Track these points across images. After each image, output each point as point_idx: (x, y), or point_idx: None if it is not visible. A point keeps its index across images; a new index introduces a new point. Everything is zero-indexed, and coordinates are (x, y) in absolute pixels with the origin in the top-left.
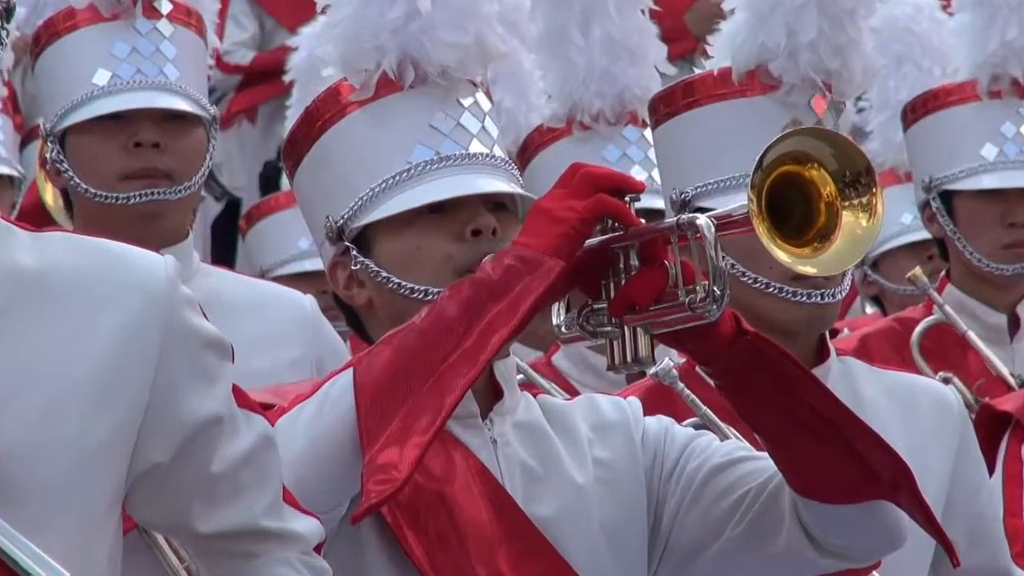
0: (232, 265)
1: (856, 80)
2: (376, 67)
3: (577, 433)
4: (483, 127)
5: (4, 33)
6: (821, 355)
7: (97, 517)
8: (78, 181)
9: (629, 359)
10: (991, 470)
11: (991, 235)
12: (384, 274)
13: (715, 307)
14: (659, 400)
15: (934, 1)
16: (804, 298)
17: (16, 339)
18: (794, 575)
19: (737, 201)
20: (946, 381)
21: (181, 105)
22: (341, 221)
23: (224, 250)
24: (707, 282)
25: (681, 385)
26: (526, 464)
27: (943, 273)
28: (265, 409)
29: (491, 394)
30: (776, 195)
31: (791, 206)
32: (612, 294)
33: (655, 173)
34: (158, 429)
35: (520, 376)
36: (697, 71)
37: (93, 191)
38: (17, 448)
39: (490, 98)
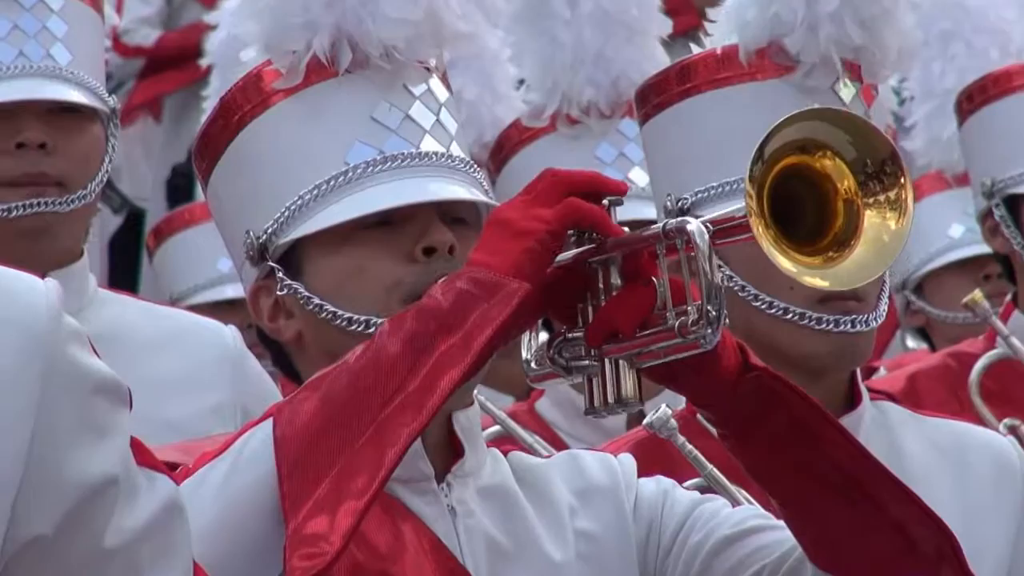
0: (135, 290)
1: (890, 59)
2: (306, 48)
3: (556, 499)
4: (438, 120)
5: None
6: (852, 399)
7: None
8: None
9: (611, 399)
10: None
11: None
12: (317, 301)
13: (710, 331)
14: (654, 456)
15: None
16: (831, 325)
17: None
18: None
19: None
20: (1012, 430)
21: (74, 96)
22: (264, 236)
23: (125, 272)
24: (700, 302)
25: (682, 438)
26: (492, 538)
27: (1008, 297)
28: (169, 469)
29: (449, 452)
30: (782, 193)
31: (801, 206)
32: (589, 320)
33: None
34: (38, 494)
35: (496, 428)
36: (696, 51)
37: None
38: None
39: (447, 86)
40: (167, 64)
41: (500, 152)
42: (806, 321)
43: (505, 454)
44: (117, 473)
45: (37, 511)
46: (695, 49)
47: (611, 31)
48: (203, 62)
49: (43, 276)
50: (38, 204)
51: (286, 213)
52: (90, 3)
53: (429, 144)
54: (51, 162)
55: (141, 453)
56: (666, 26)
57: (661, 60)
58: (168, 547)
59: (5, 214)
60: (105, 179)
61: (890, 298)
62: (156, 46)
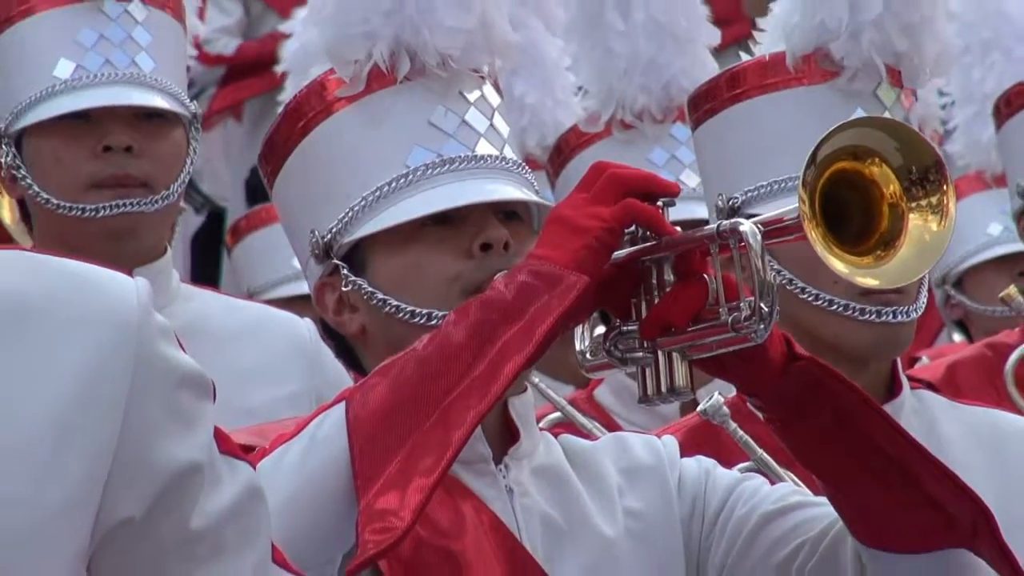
0: (216, 286)
1: (930, 65)
2: (367, 57)
3: (605, 479)
4: (491, 125)
5: None
6: (893, 387)
7: None
8: (38, 190)
9: (664, 389)
10: None
11: None
12: (380, 296)
13: (762, 327)
14: (707, 441)
15: None
16: (873, 316)
17: None
18: None
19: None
20: None
21: (157, 102)
22: (329, 236)
23: (207, 269)
24: (753, 298)
25: (733, 424)
26: (548, 516)
27: None
28: (245, 452)
29: (506, 436)
30: (832, 196)
31: (849, 208)
32: (644, 314)
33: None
34: (128, 481)
35: (557, 414)
36: (745, 58)
37: (56, 202)
38: None
39: (499, 91)
40: (246, 71)
41: (559, 155)
42: (850, 312)
43: (556, 437)
44: (202, 461)
45: (126, 496)
46: (744, 57)
47: (662, 41)
48: (279, 69)
49: (130, 273)
50: (125, 205)
51: (350, 214)
52: (173, 14)
53: (484, 147)
54: (137, 165)
55: (223, 441)
56: (714, 36)
57: (710, 67)
58: (249, 529)
59: (93, 214)
60: (187, 180)
61: (930, 292)
62: (236, 55)
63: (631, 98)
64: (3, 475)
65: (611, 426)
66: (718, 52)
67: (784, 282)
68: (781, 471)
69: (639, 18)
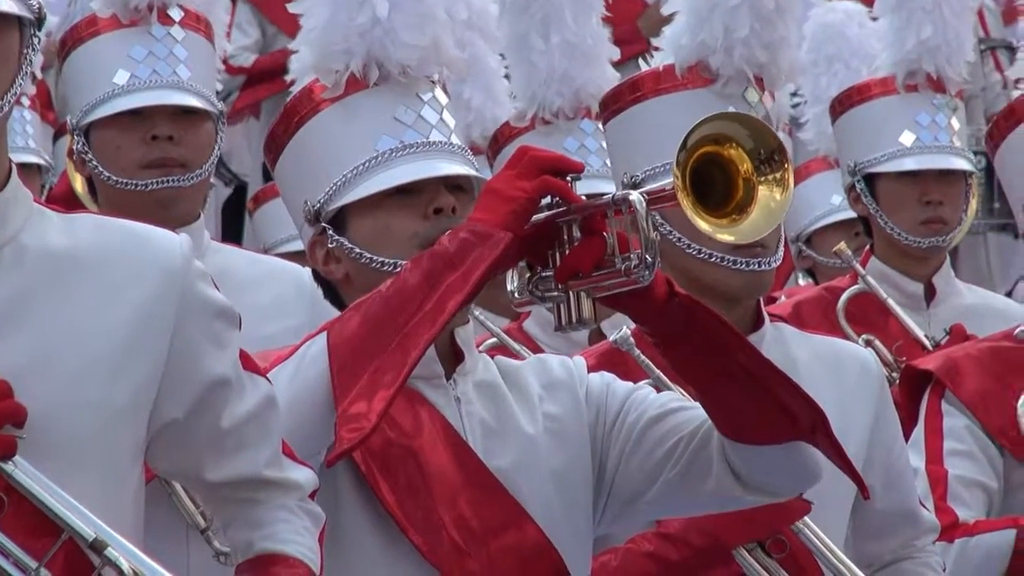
0: (240, 243)
1: (784, 73)
2: (345, 68)
3: (529, 391)
4: (441, 118)
5: (36, 40)
6: (757, 321)
7: (122, 468)
8: (101, 170)
9: (574, 320)
10: (913, 424)
11: (910, 212)
12: (358, 250)
13: (647, 272)
14: (616, 363)
15: (863, 8)
16: (743, 266)
17: (49, 312)
18: (723, 510)
19: None
20: (868, 343)
21: (192, 102)
22: (318, 205)
23: (233, 229)
24: (640, 250)
25: (637, 351)
26: (485, 420)
27: (867, 247)
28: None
29: (454, 357)
30: (700, 172)
31: (713, 182)
32: (557, 263)
33: (608, 160)
34: (175, 389)
35: (494, 340)
36: (644, 68)
37: (115, 179)
38: (49, 408)
39: (447, 93)
40: (262, 79)
41: (495, 144)
42: (725, 263)
43: (493, 358)
44: (230, 375)
45: (173, 401)
46: (643, 67)
47: (573, 57)
48: (288, 77)
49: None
50: (168, 181)
51: (333, 188)
52: (204, 35)
53: (435, 135)
54: (176, 150)
55: (246, 360)
56: (615, 52)
57: (611, 77)
58: (265, 427)
59: (144, 188)
60: (216, 161)
61: (786, 246)
62: (253, 66)
63: (549, 101)
64: (85, 383)
65: (536, 350)
66: (620, 64)
67: (675, 240)
68: (673, 386)
69: (556, 40)
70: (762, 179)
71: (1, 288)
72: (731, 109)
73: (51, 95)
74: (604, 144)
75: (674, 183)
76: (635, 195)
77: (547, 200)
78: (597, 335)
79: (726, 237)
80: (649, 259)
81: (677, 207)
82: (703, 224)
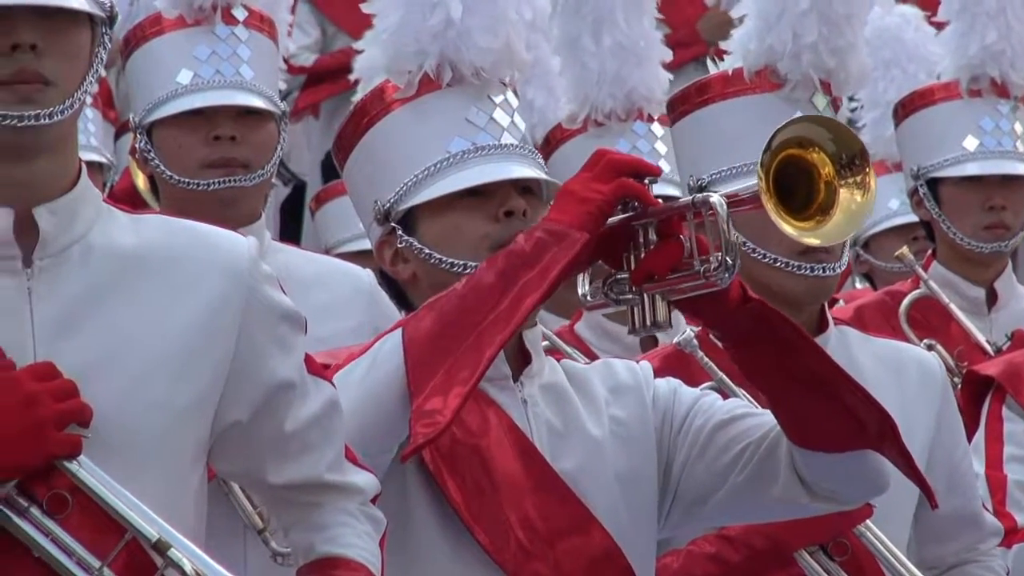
0: (299, 242)
1: (852, 79)
2: (418, 69)
3: (595, 394)
4: (512, 121)
5: (107, 38)
6: (822, 324)
7: (184, 468)
8: (164, 169)
9: (649, 323)
10: (975, 429)
11: (972, 217)
12: (427, 251)
13: (727, 275)
14: (679, 365)
15: (919, 13)
16: (808, 271)
17: (116, 311)
18: (788, 517)
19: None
20: (930, 348)
21: (255, 102)
22: (388, 205)
23: (292, 229)
24: (720, 253)
25: (701, 353)
26: (551, 423)
27: (928, 252)
28: (324, 370)
29: (521, 359)
30: (782, 175)
31: (795, 185)
32: (633, 265)
33: (661, 163)
34: (239, 391)
35: (546, 343)
36: (712, 71)
37: (177, 178)
38: (113, 408)
39: (518, 95)
40: (322, 79)
41: (548, 145)
42: (790, 268)
43: (558, 361)
44: (295, 378)
45: (237, 403)
46: (712, 69)
47: (625, 59)
48: (352, 76)
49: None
50: (230, 181)
51: (404, 188)
52: (268, 35)
53: (507, 138)
54: (239, 150)
55: (311, 364)
56: (667, 54)
57: (663, 79)
58: (329, 432)
59: (206, 187)
60: (278, 162)
61: None
62: (314, 66)
63: (601, 103)
64: (149, 383)
65: (587, 352)
66: (678, 67)
67: (740, 244)
68: (736, 389)
69: (607, 42)
70: (844, 182)
71: (69, 287)
72: (797, 114)
73: (112, 93)
74: (656, 146)
75: (758, 185)
76: (716, 197)
77: (624, 203)
78: (650, 342)
79: (811, 240)
80: (730, 261)
81: (757, 210)
82: (787, 227)
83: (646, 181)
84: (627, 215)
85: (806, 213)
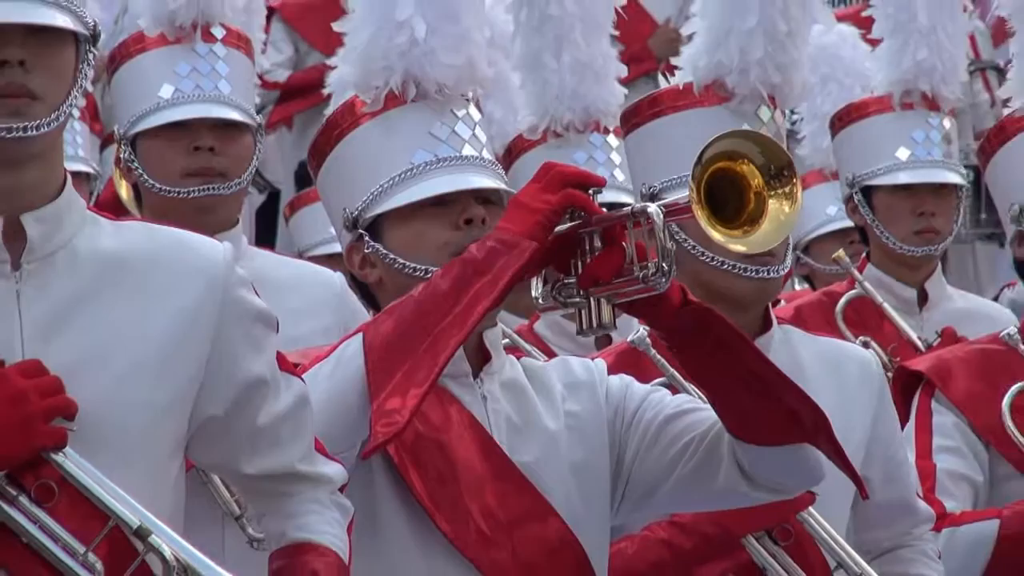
0: (273, 246)
1: (796, 93)
2: (385, 85)
3: (552, 390)
4: (473, 134)
5: (91, 55)
6: (766, 324)
7: (164, 460)
8: (146, 178)
9: (595, 324)
10: (905, 421)
11: (904, 223)
12: (392, 256)
13: (664, 280)
14: (631, 362)
15: (856, 31)
16: (753, 273)
17: (100, 312)
18: (732, 506)
19: None
20: (865, 345)
21: (233, 115)
22: (356, 212)
23: (266, 233)
24: (657, 259)
25: (652, 351)
26: (509, 417)
27: (863, 255)
28: (294, 368)
29: (481, 357)
30: (714, 186)
31: (726, 195)
32: (579, 271)
33: (616, 172)
34: (215, 388)
35: (506, 340)
36: (663, 85)
37: (159, 186)
38: (99, 406)
39: (480, 110)
40: (294, 94)
41: (509, 155)
42: (737, 270)
43: (518, 359)
44: (267, 376)
45: (213, 399)
46: (663, 84)
47: (583, 75)
48: (325, 91)
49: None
50: (208, 189)
51: (370, 197)
52: (244, 52)
53: (468, 150)
54: (217, 160)
55: (282, 362)
56: (622, 70)
57: (618, 94)
58: (299, 426)
59: (186, 195)
60: (254, 171)
61: None
62: (287, 82)
63: (561, 116)
64: (132, 382)
65: (546, 351)
66: (630, 81)
67: (690, 248)
68: (686, 384)
69: (567, 59)
70: (772, 193)
71: (56, 290)
72: (745, 126)
73: (98, 107)
74: (611, 157)
75: (690, 196)
76: (653, 207)
77: (570, 212)
78: (605, 340)
79: (738, 247)
80: (665, 267)
81: (692, 219)
82: (716, 235)
83: (591, 191)
84: (573, 223)
85: (737, 222)
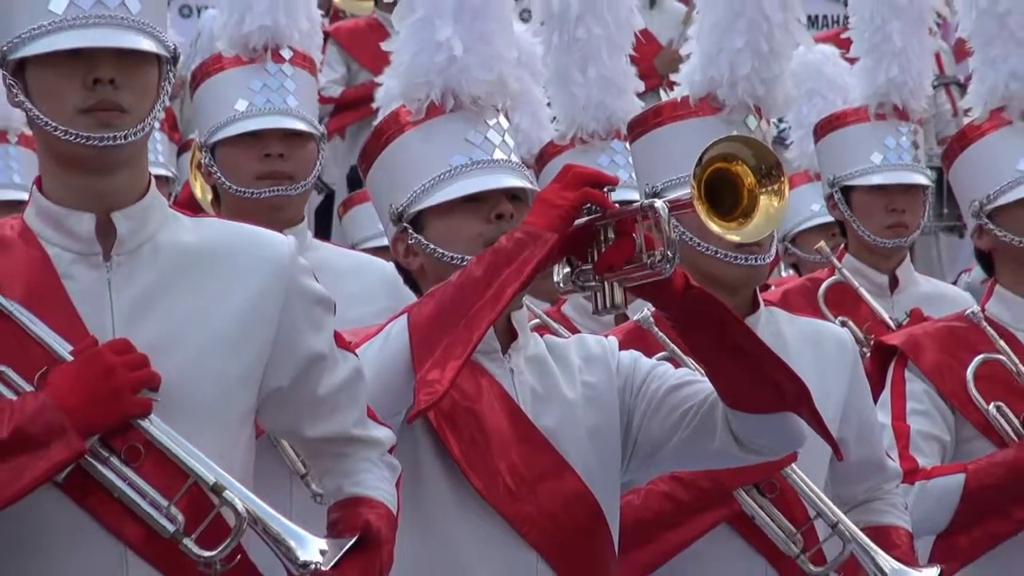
0: (328, 240)
1: (778, 104)
2: (426, 97)
3: (571, 363)
4: (503, 140)
5: (171, 75)
6: (754, 305)
7: (235, 426)
8: (224, 181)
9: (608, 305)
10: (881, 389)
11: (878, 219)
12: (432, 247)
13: (668, 266)
14: (639, 339)
15: (836, 50)
16: (743, 261)
17: (180, 299)
18: (726, 465)
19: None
20: (843, 324)
21: (299, 126)
22: (401, 208)
23: (323, 229)
24: (663, 248)
25: (656, 329)
26: (534, 388)
27: (842, 246)
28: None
29: (509, 335)
30: (712, 185)
31: (724, 192)
32: (595, 258)
33: (633, 174)
34: (280, 362)
35: (537, 320)
36: (664, 99)
37: (235, 188)
38: (179, 378)
39: (508, 119)
40: (347, 107)
41: (541, 160)
42: (728, 259)
43: (541, 336)
44: (326, 351)
45: (279, 372)
46: (664, 97)
47: (606, 89)
48: (375, 105)
49: (283, 233)
50: (278, 190)
51: (413, 194)
52: (308, 71)
53: (498, 154)
54: (286, 165)
55: (339, 339)
56: (640, 85)
57: (637, 105)
58: (354, 394)
59: (259, 195)
60: (319, 175)
61: None
62: (340, 97)
63: (586, 125)
64: (208, 358)
65: (572, 329)
66: (642, 95)
67: (688, 239)
68: (685, 359)
69: (592, 74)
70: (763, 190)
71: (141, 279)
72: (735, 133)
73: (176, 119)
74: (630, 160)
75: (691, 193)
76: (659, 203)
77: (588, 207)
78: (622, 318)
79: (734, 237)
80: (670, 255)
81: (693, 213)
82: (715, 227)
83: (606, 189)
84: (590, 217)
85: (732, 215)
